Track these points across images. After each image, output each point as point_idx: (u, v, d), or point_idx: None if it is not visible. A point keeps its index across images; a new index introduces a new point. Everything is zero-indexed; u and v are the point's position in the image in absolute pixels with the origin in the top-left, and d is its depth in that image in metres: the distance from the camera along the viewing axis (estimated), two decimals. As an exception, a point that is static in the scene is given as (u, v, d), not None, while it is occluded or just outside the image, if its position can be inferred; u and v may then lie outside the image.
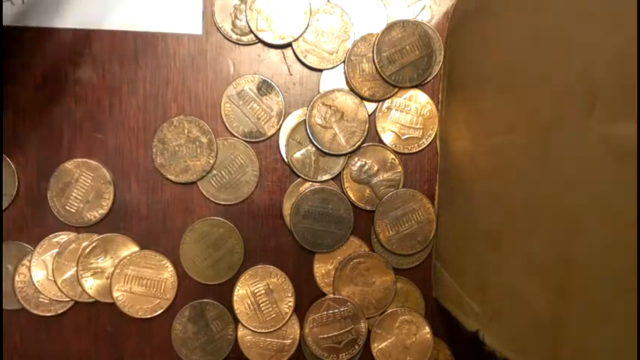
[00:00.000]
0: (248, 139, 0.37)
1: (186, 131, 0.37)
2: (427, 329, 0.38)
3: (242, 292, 0.38)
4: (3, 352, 0.37)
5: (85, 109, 0.37)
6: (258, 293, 0.38)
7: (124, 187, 0.37)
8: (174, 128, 0.37)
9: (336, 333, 0.38)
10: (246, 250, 0.38)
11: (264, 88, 0.37)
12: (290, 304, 0.38)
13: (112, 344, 0.38)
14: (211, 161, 0.37)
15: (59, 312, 0.37)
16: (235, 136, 0.37)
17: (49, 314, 0.37)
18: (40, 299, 0.37)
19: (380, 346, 0.38)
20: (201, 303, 0.38)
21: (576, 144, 0.22)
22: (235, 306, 0.37)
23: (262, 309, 0.37)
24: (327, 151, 0.37)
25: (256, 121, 0.37)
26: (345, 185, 0.38)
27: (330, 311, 0.38)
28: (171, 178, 0.37)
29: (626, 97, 0.19)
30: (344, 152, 0.37)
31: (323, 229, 0.37)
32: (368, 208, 0.38)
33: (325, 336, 0.38)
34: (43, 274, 0.37)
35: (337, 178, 0.38)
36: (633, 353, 0.19)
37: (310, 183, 0.38)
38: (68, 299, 0.37)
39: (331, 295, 0.38)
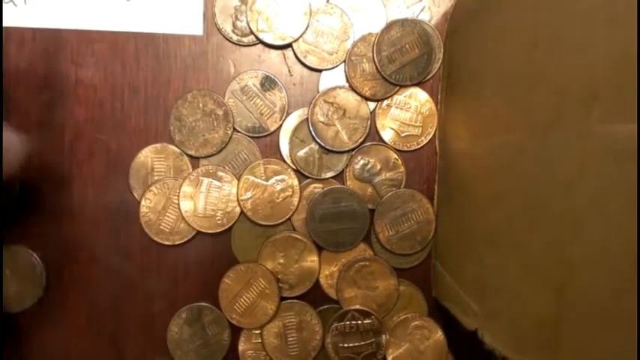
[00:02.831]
0: (251, 134, 0.38)
1: (201, 105, 0.37)
2: (440, 332, 0.38)
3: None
4: (3, 352, 0.37)
5: (87, 110, 0.37)
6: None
7: (124, 188, 0.37)
8: (188, 104, 0.37)
9: (357, 344, 0.38)
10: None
11: (268, 83, 0.37)
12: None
13: (112, 344, 0.38)
14: (229, 132, 0.37)
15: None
16: (239, 131, 0.37)
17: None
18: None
19: (395, 354, 0.38)
20: (198, 306, 0.38)
21: (576, 144, 0.22)
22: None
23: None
24: (329, 148, 0.37)
25: (259, 116, 0.37)
26: (348, 183, 0.38)
27: (354, 322, 0.38)
28: (192, 153, 0.37)
29: (626, 97, 0.19)
30: (346, 149, 0.37)
31: (341, 228, 0.38)
32: (370, 206, 0.38)
33: (346, 345, 0.38)
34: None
35: (340, 176, 0.38)
36: (633, 353, 0.19)
37: (314, 186, 0.38)
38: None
39: (355, 307, 0.38)
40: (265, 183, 0.37)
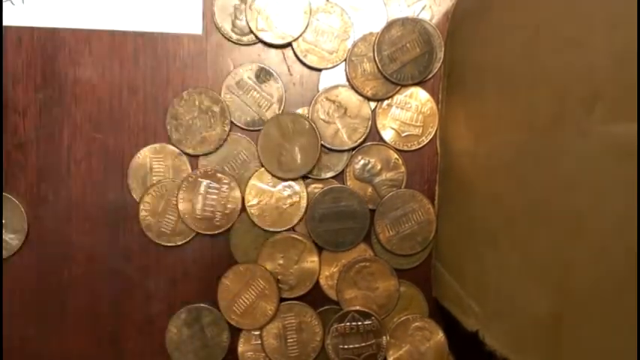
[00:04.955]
0: (251, 128, 0.37)
1: (197, 103, 0.37)
2: (441, 334, 0.38)
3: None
4: (3, 352, 0.37)
5: (85, 109, 0.37)
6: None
7: (123, 188, 0.37)
8: (184, 102, 0.37)
9: (357, 345, 0.38)
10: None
11: (263, 75, 0.37)
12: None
13: (112, 344, 0.38)
14: (227, 129, 0.37)
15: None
16: (238, 127, 0.37)
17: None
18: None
19: (396, 355, 0.38)
20: (197, 307, 0.38)
21: (576, 144, 0.22)
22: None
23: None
24: (329, 147, 0.37)
25: (257, 109, 0.37)
26: (348, 183, 0.38)
27: (354, 323, 0.38)
28: (190, 151, 0.37)
29: (626, 97, 0.19)
30: (346, 148, 0.37)
31: (342, 228, 0.37)
32: (370, 207, 0.38)
33: (346, 347, 0.38)
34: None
35: (340, 176, 0.38)
36: (633, 353, 0.19)
37: (314, 186, 0.38)
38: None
39: (356, 308, 0.38)
40: (272, 189, 0.37)
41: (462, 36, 0.35)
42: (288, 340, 0.38)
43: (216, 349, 0.38)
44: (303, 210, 0.37)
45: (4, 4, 0.36)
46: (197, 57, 0.37)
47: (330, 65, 0.37)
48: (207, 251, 0.38)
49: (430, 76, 0.38)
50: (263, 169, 0.37)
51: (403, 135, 0.38)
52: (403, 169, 0.38)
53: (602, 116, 0.20)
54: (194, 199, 0.37)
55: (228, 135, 0.37)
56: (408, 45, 0.37)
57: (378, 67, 0.37)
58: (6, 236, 0.37)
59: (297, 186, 0.37)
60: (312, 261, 0.38)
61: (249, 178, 0.37)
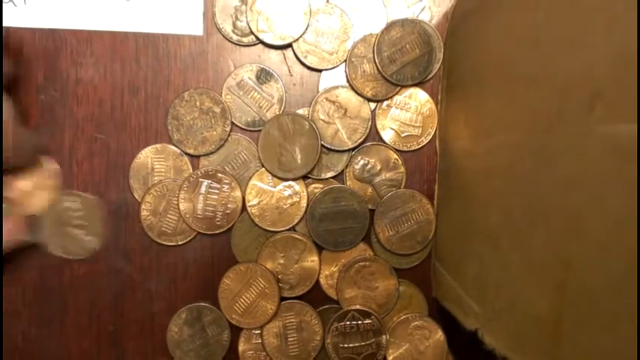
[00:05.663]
0: (252, 129, 0.38)
1: (198, 104, 0.37)
2: (440, 333, 0.38)
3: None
4: (3, 352, 0.38)
5: (87, 109, 0.37)
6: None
7: (124, 188, 0.38)
8: (185, 103, 0.37)
9: (357, 344, 0.38)
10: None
11: (263, 76, 0.37)
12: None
13: (113, 344, 0.38)
14: (227, 129, 0.37)
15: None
16: (238, 126, 0.37)
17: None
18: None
19: (395, 354, 0.38)
20: (198, 306, 0.38)
21: (576, 144, 0.22)
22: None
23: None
24: (329, 147, 0.37)
25: (258, 109, 0.37)
26: (348, 184, 0.38)
27: (354, 322, 0.38)
28: (190, 152, 0.37)
29: (626, 97, 0.19)
30: (346, 148, 0.37)
31: (342, 227, 0.38)
32: (370, 207, 0.38)
33: (346, 346, 0.38)
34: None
35: (340, 176, 0.38)
36: (633, 353, 0.19)
37: (314, 186, 0.38)
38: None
39: (356, 307, 0.38)
40: (273, 189, 0.37)
41: (461, 36, 0.35)
42: (289, 339, 0.38)
43: (217, 348, 0.38)
44: (303, 210, 0.37)
45: (6, 5, 0.36)
46: (198, 58, 0.38)
47: (330, 66, 0.37)
48: (208, 251, 0.38)
49: (430, 76, 0.38)
50: (263, 169, 0.37)
51: (403, 135, 0.38)
52: (403, 169, 0.38)
53: (602, 116, 0.20)
54: (195, 199, 0.37)
55: (228, 135, 0.37)
56: (407, 46, 0.37)
57: (377, 68, 0.37)
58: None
59: (297, 186, 0.37)
60: (312, 260, 0.38)
61: (250, 178, 0.37)
